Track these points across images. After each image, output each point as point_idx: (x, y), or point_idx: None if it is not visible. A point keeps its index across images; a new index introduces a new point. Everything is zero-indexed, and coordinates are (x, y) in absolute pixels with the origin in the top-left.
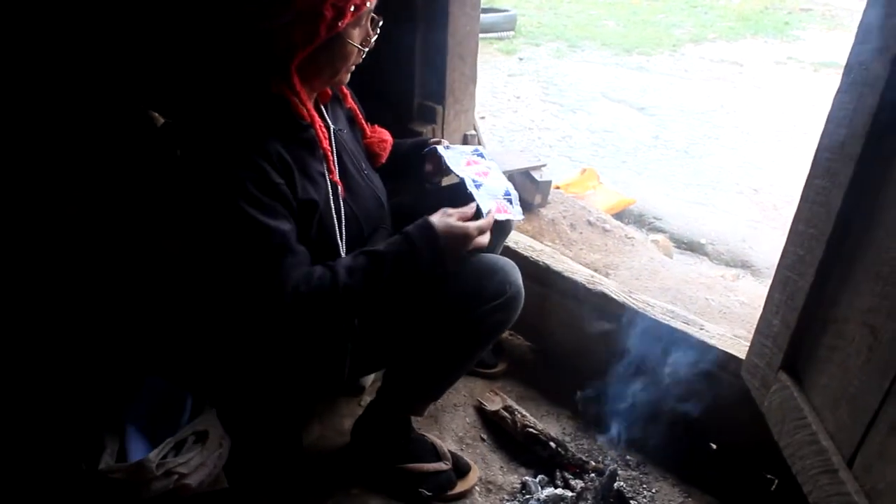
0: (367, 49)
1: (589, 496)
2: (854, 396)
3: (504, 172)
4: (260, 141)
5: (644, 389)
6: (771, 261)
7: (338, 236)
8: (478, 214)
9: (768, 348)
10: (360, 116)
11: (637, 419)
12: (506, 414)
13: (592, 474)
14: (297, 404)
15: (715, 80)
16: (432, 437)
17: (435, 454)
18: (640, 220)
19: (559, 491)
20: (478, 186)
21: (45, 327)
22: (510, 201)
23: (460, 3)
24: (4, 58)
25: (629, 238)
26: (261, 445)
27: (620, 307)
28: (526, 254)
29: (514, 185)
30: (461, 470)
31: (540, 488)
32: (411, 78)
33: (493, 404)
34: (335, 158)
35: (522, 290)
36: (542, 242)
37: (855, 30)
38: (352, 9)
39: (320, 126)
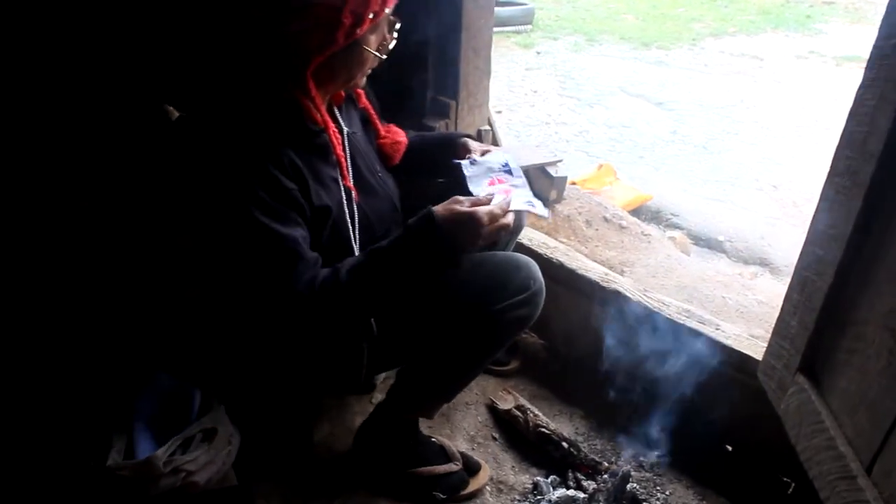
0: (384, 55)
1: (601, 497)
2: (874, 401)
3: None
4: (272, 148)
5: (658, 390)
6: (790, 259)
7: (352, 239)
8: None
9: (786, 350)
10: (375, 116)
11: (652, 420)
12: (518, 413)
13: (605, 475)
14: (309, 402)
15: (735, 74)
16: (440, 437)
17: (444, 455)
18: (657, 217)
19: (571, 492)
20: (472, 163)
21: (54, 323)
22: (532, 205)
23: None
24: (20, 51)
25: (646, 235)
26: (271, 443)
27: (635, 306)
28: (539, 251)
29: (528, 179)
30: (472, 469)
31: (552, 489)
32: (424, 72)
33: (506, 403)
34: (349, 163)
35: (544, 287)
36: (556, 239)
37: (878, 23)
38: (370, 16)
39: (334, 131)
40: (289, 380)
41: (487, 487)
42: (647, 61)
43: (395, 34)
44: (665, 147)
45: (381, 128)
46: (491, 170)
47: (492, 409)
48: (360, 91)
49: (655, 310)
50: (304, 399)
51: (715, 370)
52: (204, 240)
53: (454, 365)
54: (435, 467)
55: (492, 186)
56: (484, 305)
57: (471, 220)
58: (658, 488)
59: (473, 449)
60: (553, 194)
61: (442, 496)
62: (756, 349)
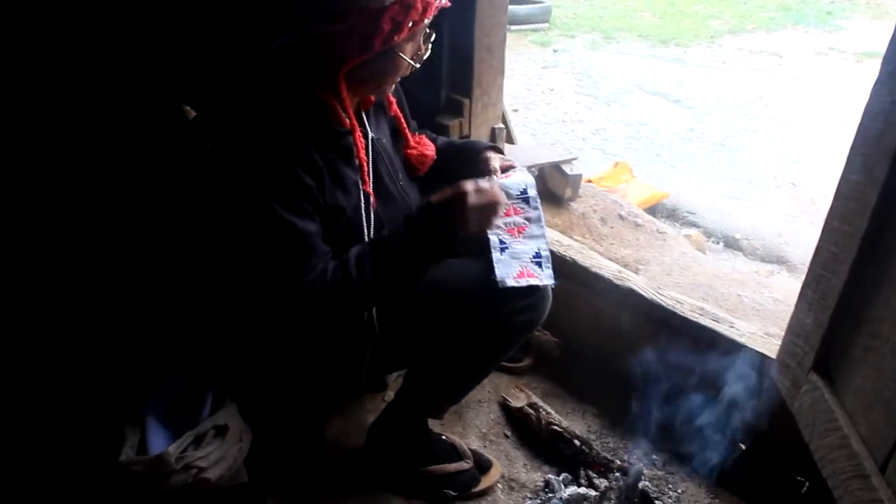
0: (417, 65)
1: (613, 496)
2: (889, 400)
3: (534, 166)
4: (296, 144)
5: (671, 389)
6: (807, 256)
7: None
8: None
9: (800, 348)
10: (405, 126)
11: (665, 418)
12: (530, 411)
13: (617, 473)
14: (319, 399)
15: (753, 71)
16: (451, 435)
17: (455, 453)
18: (673, 215)
19: (583, 490)
20: (503, 249)
21: (69, 319)
22: (539, 264)
23: None
24: (35, 51)
25: (661, 233)
26: (283, 440)
27: (648, 304)
28: (553, 248)
29: (543, 177)
30: (483, 466)
31: (563, 487)
32: (438, 70)
33: (518, 401)
34: (370, 168)
35: (550, 291)
36: (571, 237)
37: None
38: (410, 24)
39: (359, 135)
40: (292, 377)
41: (499, 485)
42: (664, 59)
43: (430, 45)
44: (682, 145)
45: (411, 138)
46: (508, 196)
47: (504, 406)
48: (392, 98)
49: (669, 308)
50: (312, 395)
51: (729, 369)
52: (220, 232)
53: (461, 368)
54: (446, 465)
55: (507, 217)
56: (489, 310)
57: (455, 193)
58: (670, 486)
59: (485, 446)
60: (568, 192)
61: (453, 494)
62: (770, 347)
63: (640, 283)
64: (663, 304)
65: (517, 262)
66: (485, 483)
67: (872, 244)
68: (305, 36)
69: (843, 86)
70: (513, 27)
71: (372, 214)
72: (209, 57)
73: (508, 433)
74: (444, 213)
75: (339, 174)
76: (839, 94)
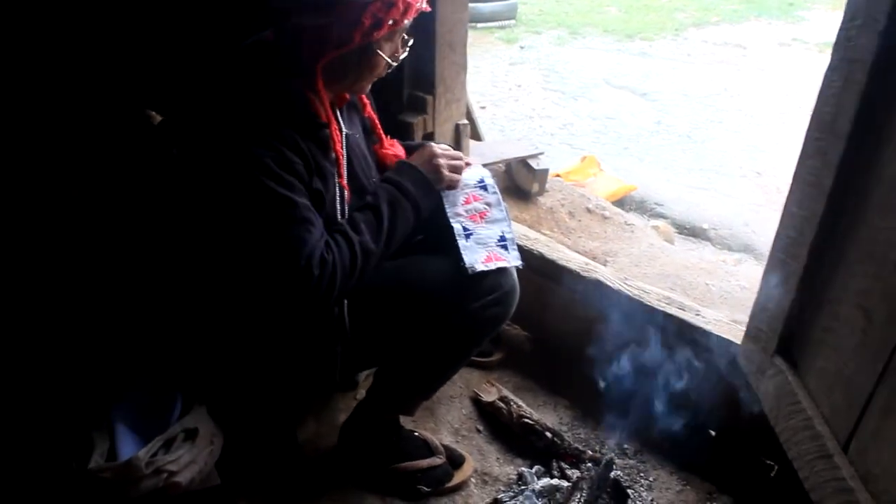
0: (394, 64)
1: (585, 486)
2: (848, 380)
3: (501, 161)
4: (277, 126)
5: (640, 377)
6: None
7: None
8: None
9: (763, 333)
10: (380, 128)
11: (635, 407)
12: (502, 405)
13: (589, 464)
14: (291, 400)
15: (718, 63)
16: (423, 431)
17: (427, 449)
18: (641, 207)
19: (555, 481)
20: (468, 236)
21: (36, 326)
22: (505, 247)
23: None
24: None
25: (629, 225)
26: (254, 442)
27: (615, 294)
28: (520, 242)
29: (510, 173)
30: (455, 462)
31: (536, 479)
32: (400, 67)
33: (489, 395)
34: (345, 163)
35: (518, 284)
36: (540, 231)
37: None
38: (390, 22)
39: (335, 129)
40: (263, 378)
41: (472, 479)
42: (630, 53)
43: (407, 49)
44: (649, 138)
45: (385, 140)
46: (466, 186)
47: (476, 401)
48: (367, 101)
49: (636, 297)
50: (284, 396)
51: (695, 356)
52: (209, 223)
53: (430, 364)
54: (418, 461)
55: (466, 206)
56: (458, 306)
57: (429, 154)
58: (642, 475)
59: (458, 441)
60: (535, 187)
61: (426, 489)
62: (736, 333)
63: (607, 275)
64: (630, 294)
65: (483, 248)
66: (458, 478)
67: (830, 228)
68: (285, 29)
69: (805, 75)
70: (479, 24)
71: (346, 208)
72: (176, 58)
73: (480, 428)
74: (418, 165)
75: (318, 164)
76: (802, 84)
